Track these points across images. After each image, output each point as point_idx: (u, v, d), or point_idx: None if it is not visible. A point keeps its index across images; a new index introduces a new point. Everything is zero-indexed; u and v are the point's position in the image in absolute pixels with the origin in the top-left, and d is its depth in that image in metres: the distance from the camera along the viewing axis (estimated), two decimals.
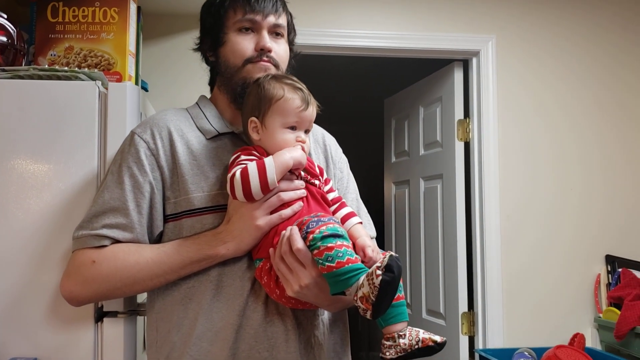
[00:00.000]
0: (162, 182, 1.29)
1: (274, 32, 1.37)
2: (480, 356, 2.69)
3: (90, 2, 1.76)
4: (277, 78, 1.28)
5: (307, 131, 1.28)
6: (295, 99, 1.24)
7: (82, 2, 1.76)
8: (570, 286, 2.97)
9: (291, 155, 1.21)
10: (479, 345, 2.93)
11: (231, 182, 1.19)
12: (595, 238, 3.01)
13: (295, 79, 1.30)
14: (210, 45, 1.40)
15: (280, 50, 1.37)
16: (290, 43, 1.44)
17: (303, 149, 1.25)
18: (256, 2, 1.34)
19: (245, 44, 1.34)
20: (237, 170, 1.19)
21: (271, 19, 1.35)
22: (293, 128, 1.25)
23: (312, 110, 1.27)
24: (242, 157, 1.22)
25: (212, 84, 1.48)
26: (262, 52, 1.33)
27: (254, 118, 1.27)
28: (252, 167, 1.18)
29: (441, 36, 2.97)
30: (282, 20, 1.38)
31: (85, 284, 1.25)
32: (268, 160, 1.19)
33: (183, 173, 1.28)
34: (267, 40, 1.34)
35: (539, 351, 2.59)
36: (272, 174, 1.18)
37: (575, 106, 3.05)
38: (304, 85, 1.28)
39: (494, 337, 2.89)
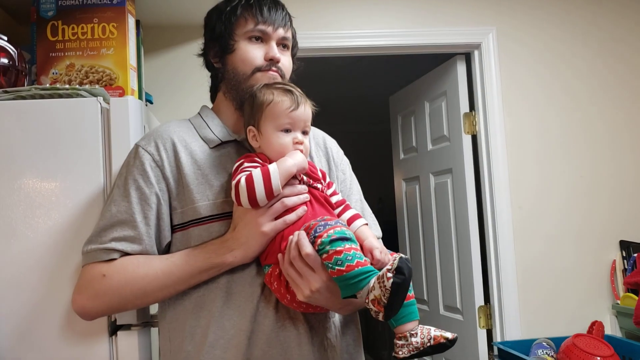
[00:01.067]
0: (168, 193, 1.31)
1: (281, 44, 1.40)
2: (499, 349, 2.68)
3: (88, 19, 1.78)
4: (268, 85, 1.30)
5: (305, 133, 1.29)
6: (284, 100, 1.25)
7: (80, 20, 1.78)
8: (585, 274, 2.94)
9: (294, 161, 1.22)
10: (497, 338, 2.92)
11: (236, 188, 1.20)
12: (608, 224, 2.98)
13: (286, 82, 1.32)
14: (218, 52, 1.41)
15: (285, 62, 1.40)
16: (293, 56, 1.46)
17: (302, 152, 1.25)
18: (268, 14, 1.37)
19: (255, 53, 1.36)
20: (242, 177, 1.20)
21: (280, 32, 1.38)
22: (288, 130, 1.26)
23: (305, 110, 1.27)
24: (246, 164, 1.23)
25: (214, 90, 1.49)
26: (272, 62, 1.36)
27: (251, 127, 1.29)
28: (257, 173, 1.19)
29: (441, 31, 2.95)
30: (289, 34, 1.42)
31: (97, 298, 1.27)
32: (272, 167, 1.20)
33: (188, 183, 1.29)
34: (277, 52, 1.37)
35: (558, 341, 2.58)
36: (276, 181, 1.19)
37: (581, 93, 3.03)
38: (295, 88, 1.30)
39: (511, 329, 2.87)
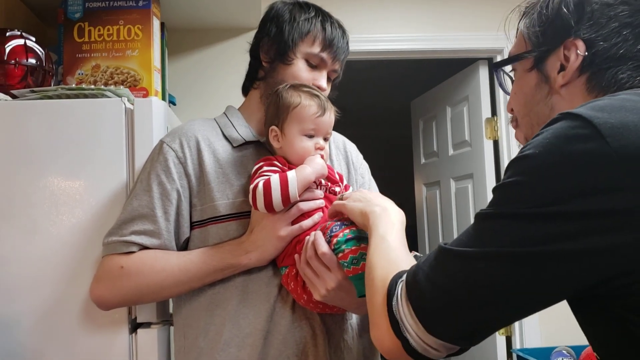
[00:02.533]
0: (189, 190, 1.32)
1: (330, 75, 1.41)
2: (518, 356, 2.65)
3: (114, 21, 1.81)
4: (295, 87, 1.30)
5: (326, 139, 1.30)
6: (311, 105, 1.26)
7: (107, 22, 1.81)
8: None
9: (312, 169, 1.22)
10: (516, 345, 2.90)
11: (253, 193, 1.21)
12: None
13: (313, 87, 1.32)
14: (272, 53, 1.40)
15: (326, 92, 1.40)
16: (333, 87, 1.46)
17: (322, 157, 1.26)
18: (336, 45, 1.38)
19: (306, 75, 1.36)
20: (260, 182, 1.21)
21: (336, 65, 1.40)
22: (311, 135, 1.27)
23: (330, 117, 1.28)
24: (265, 167, 1.24)
25: (250, 81, 1.48)
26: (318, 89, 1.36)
27: (274, 127, 1.29)
28: (275, 179, 1.20)
29: (464, 35, 2.95)
30: (340, 68, 1.43)
31: (114, 289, 1.29)
32: (291, 174, 1.20)
33: (209, 181, 1.31)
34: (325, 82, 1.38)
35: (578, 349, 2.54)
36: (294, 189, 1.19)
37: None
38: (321, 93, 1.30)
39: (531, 337, 2.85)
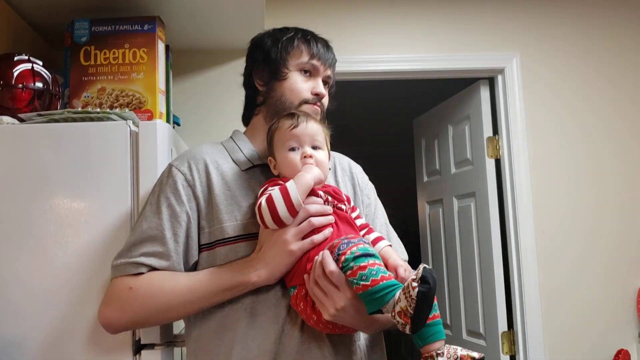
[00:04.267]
0: (198, 212, 1.34)
1: (324, 82, 1.47)
2: None
3: (120, 44, 1.84)
4: (277, 119, 1.36)
5: (315, 147, 1.31)
6: (285, 123, 1.31)
7: (112, 45, 1.84)
8: (611, 301, 2.91)
9: (310, 175, 1.25)
10: None
11: (259, 211, 1.23)
12: (634, 251, 2.94)
13: (294, 111, 1.37)
14: (266, 76, 1.45)
15: (325, 99, 1.46)
16: (330, 96, 1.51)
17: (317, 164, 1.28)
18: (323, 51, 1.45)
19: (304, 85, 1.42)
20: (263, 199, 1.23)
21: (328, 71, 1.46)
22: (295, 148, 1.30)
23: (307, 126, 1.30)
24: (269, 188, 1.26)
25: (249, 110, 1.53)
26: (317, 96, 1.42)
27: (270, 158, 1.35)
28: (276, 192, 1.22)
29: (465, 56, 2.98)
30: (332, 74, 1.49)
31: (122, 311, 1.30)
32: (289, 183, 1.23)
33: (217, 203, 1.33)
34: (322, 88, 1.44)
35: None
36: (295, 195, 1.21)
37: (605, 118, 3.02)
38: (301, 111, 1.35)
39: (535, 356, 2.84)
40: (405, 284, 1.08)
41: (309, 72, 1.44)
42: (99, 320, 1.33)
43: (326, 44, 1.48)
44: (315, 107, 1.41)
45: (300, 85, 1.42)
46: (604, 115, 3.02)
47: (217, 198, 1.33)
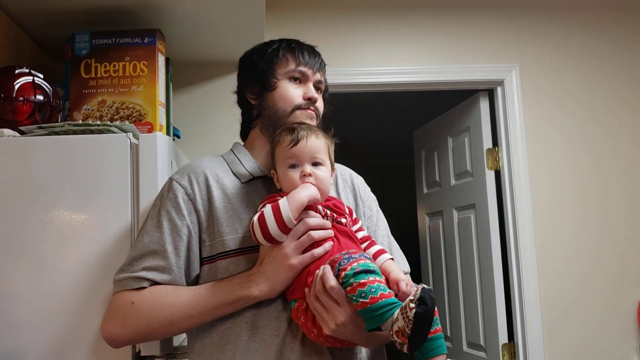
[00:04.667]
0: (199, 226, 1.34)
1: (316, 87, 1.47)
2: None
3: (120, 57, 1.84)
4: (282, 129, 1.35)
5: (316, 164, 1.31)
6: (285, 139, 1.31)
7: (113, 58, 1.84)
8: (612, 313, 2.89)
9: (305, 192, 1.24)
10: None
11: (252, 228, 1.24)
12: (636, 262, 2.94)
13: (300, 122, 1.37)
14: (256, 89, 1.46)
15: (319, 103, 1.47)
16: (324, 99, 1.52)
17: (313, 184, 1.27)
18: (308, 58, 1.45)
19: (295, 92, 1.43)
20: (255, 217, 1.24)
21: (317, 75, 1.47)
22: (294, 165, 1.30)
23: (307, 143, 1.29)
24: (267, 205, 1.26)
25: (246, 126, 1.53)
26: (310, 101, 1.43)
27: (273, 171, 1.35)
28: (267, 209, 1.22)
29: (464, 68, 2.99)
30: (323, 79, 1.50)
31: (125, 325, 1.30)
32: (282, 201, 1.23)
33: (218, 216, 1.33)
34: (314, 92, 1.45)
35: None
36: (286, 212, 1.21)
37: (604, 131, 3.02)
38: (302, 125, 1.34)
39: None
40: (404, 303, 1.08)
41: (299, 79, 1.44)
42: (101, 334, 1.33)
43: (312, 50, 1.49)
44: (309, 111, 1.42)
45: (291, 92, 1.42)
46: (604, 126, 3.02)
47: (218, 211, 1.33)
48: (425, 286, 1.08)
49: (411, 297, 1.07)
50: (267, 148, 1.43)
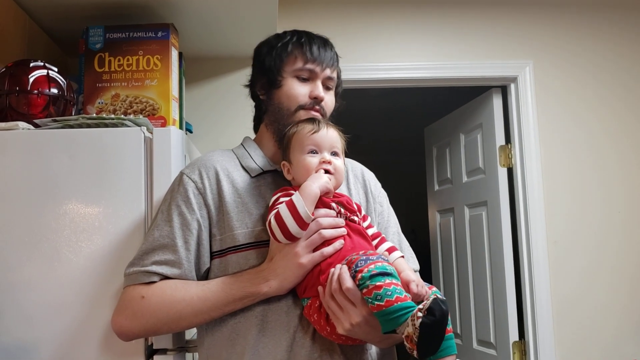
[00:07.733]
0: (209, 220, 1.34)
1: (326, 84, 1.44)
2: None
3: (134, 51, 1.85)
4: (295, 123, 1.35)
5: (335, 154, 1.31)
6: (305, 127, 1.31)
7: (126, 52, 1.85)
8: (622, 310, 2.88)
9: (316, 183, 1.24)
10: None
11: (270, 228, 1.23)
12: None
13: (311, 118, 1.37)
14: (265, 84, 1.46)
15: (329, 101, 1.44)
16: (336, 95, 1.49)
17: (329, 172, 1.28)
18: (317, 53, 1.41)
19: (301, 91, 1.40)
20: (272, 216, 1.23)
21: (327, 72, 1.43)
22: (314, 152, 1.30)
23: (327, 132, 1.31)
24: (281, 199, 1.26)
25: (257, 120, 1.54)
26: (316, 100, 1.40)
27: (284, 162, 1.34)
28: (283, 208, 1.22)
29: (477, 64, 2.98)
30: (335, 74, 1.46)
31: (135, 319, 1.30)
32: (295, 196, 1.22)
33: (228, 210, 1.33)
34: (321, 91, 1.42)
35: None
36: (302, 208, 1.20)
37: (618, 128, 3.00)
38: (318, 118, 1.35)
39: None
40: (414, 310, 1.07)
41: (307, 77, 1.42)
42: (112, 328, 1.33)
43: (323, 44, 1.45)
44: (312, 112, 1.40)
45: (297, 90, 1.40)
46: (620, 123, 3.00)
47: (228, 205, 1.33)
48: (438, 296, 1.08)
49: (421, 307, 1.06)
50: (273, 143, 1.44)
